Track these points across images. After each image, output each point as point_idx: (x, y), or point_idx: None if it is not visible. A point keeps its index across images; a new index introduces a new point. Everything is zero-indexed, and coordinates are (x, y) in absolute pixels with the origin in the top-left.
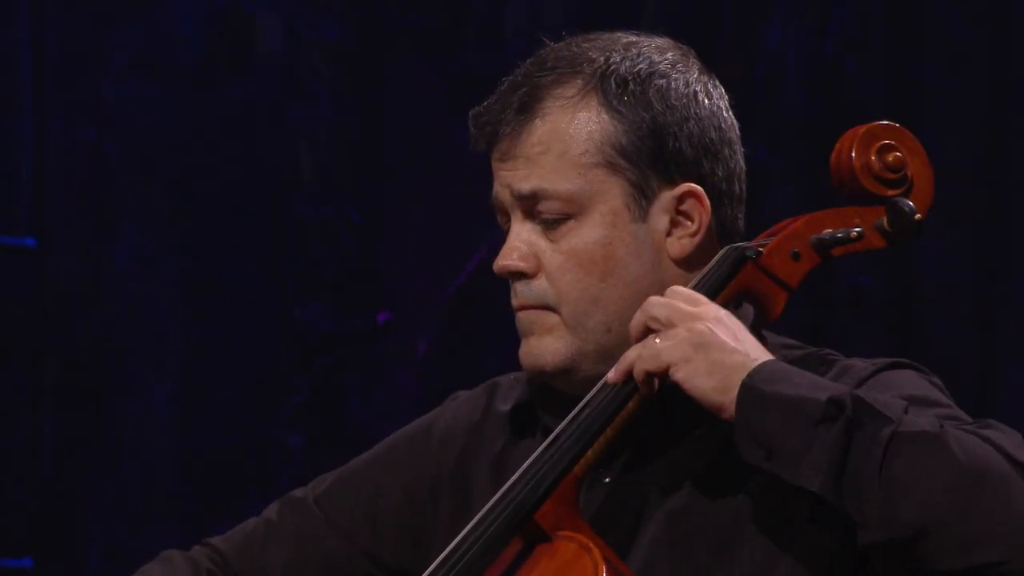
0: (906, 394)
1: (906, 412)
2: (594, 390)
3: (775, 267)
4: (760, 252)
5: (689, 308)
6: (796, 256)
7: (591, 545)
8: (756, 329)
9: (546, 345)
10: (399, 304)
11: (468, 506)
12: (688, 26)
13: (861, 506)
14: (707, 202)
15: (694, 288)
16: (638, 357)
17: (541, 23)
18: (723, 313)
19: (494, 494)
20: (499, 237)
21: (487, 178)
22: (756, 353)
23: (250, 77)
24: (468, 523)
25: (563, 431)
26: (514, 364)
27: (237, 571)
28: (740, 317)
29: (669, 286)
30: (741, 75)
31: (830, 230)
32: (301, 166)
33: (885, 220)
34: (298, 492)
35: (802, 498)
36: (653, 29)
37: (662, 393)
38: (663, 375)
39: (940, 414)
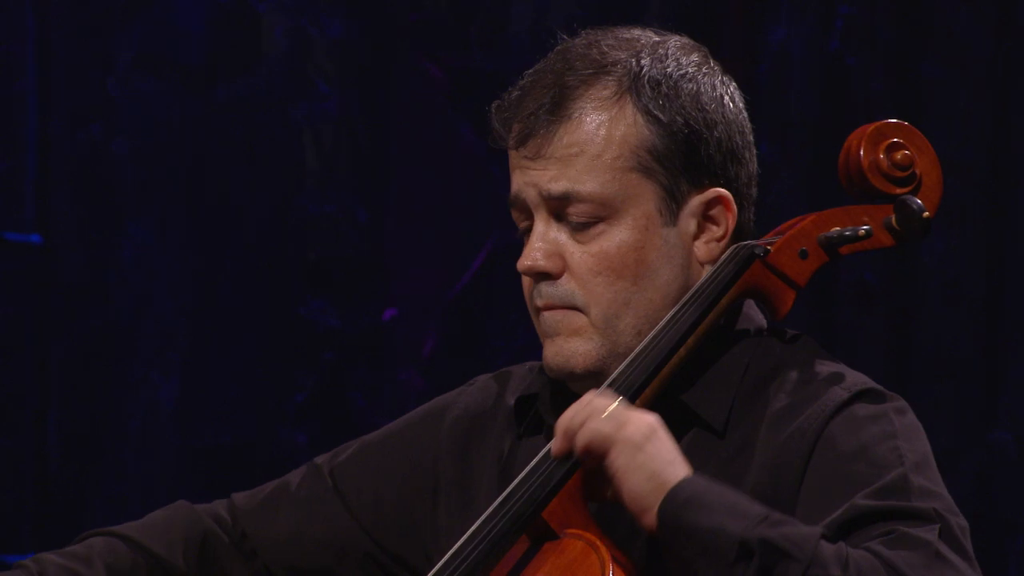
0: (856, 448)
1: (818, 544)
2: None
3: (783, 265)
4: (768, 250)
5: (630, 413)
6: (804, 254)
7: (599, 543)
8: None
9: (575, 347)
10: (405, 301)
11: (470, 500)
12: (693, 23)
13: None
14: (734, 207)
15: (702, 286)
16: (582, 426)
17: (547, 21)
18: (656, 421)
19: (499, 490)
20: (504, 235)
21: (492, 175)
22: (682, 465)
23: (255, 74)
24: (471, 518)
25: None
26: (520, 361)
27: (246, 529)
28: (744, 318)
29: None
30: (746, 72)
31: (838, 228)
32: (306, 163)
33: (894, 218)
34: (319, 459)
35: (795, 486)
36: (659, 26)
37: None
38: (575, 458)
39: (880, 487)
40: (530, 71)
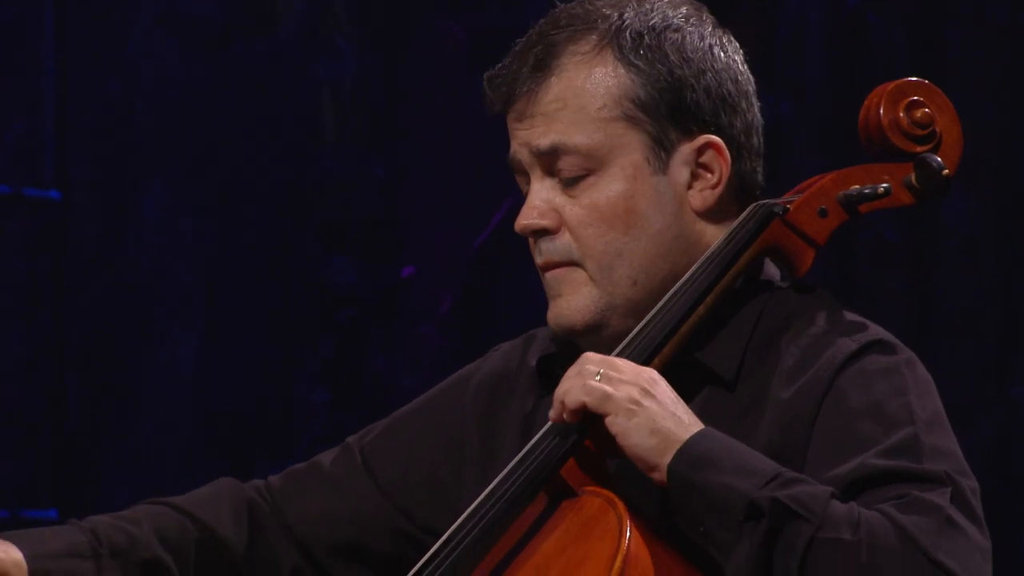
0: (867, 403)
1: (829, 505)
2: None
3: (802, 223)
4: (787, 208)
5: (628, 367)
6: (823, 213)
7: (616, 500)
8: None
9: (575, 303)
10: (423, 259)
11: (493, 460)
12: None
13: None
14: (727, 154)
15: (721, 244)
16: (581, 388)
17: None
18: (658, 375)
19: (520, 449)
20: (521, 193)
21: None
22: (690, 419)
23: (273, 32)
24: (493, 477)
25: None
26: (538, 319)
27: (280, 505)
28: (764, 275)
29: (692, 239)
30: (764, 32)
31: (858, 187)
32: (324, 121)
33: (913, 176)
34: (351, 438)
35: (806, 440)
36: None
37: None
38: (596, 417)
39: (890, 445)
40: (522, 38)
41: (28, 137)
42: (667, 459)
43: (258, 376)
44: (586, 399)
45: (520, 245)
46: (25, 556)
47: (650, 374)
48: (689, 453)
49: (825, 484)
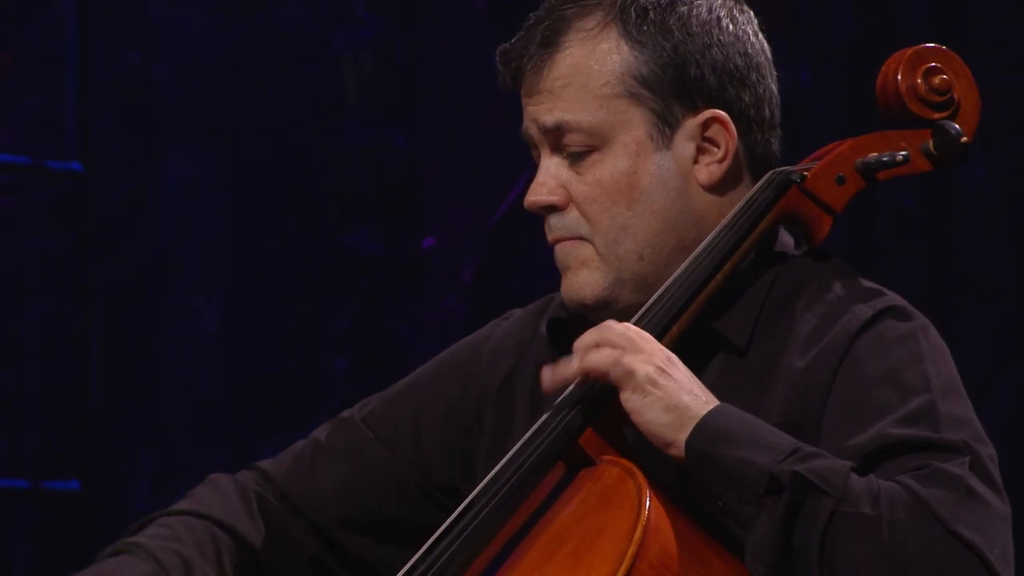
0: (883, 371)
1: (848, 478)
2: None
3: (820, 191)
4: (805, 176)
5: (645, 343)
6: (841, 180)
7: (635, 470)
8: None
9: (583, 279)
10: (445, 228)
11: (509, 427)
12: None
13: None
14: (732, 128)
15: (738, 212)
16: (608, 356)
17: None
18: (673, 355)
19: (536, 416)
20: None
21: None
22: (706, 395)
23: (295, 1)
24: (509, 445)
25: None
26: (558, 289)
27: (285, 491)
28: (779, 244)
29: (699, 213)
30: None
31: (875, 154)
32: (346, 90)
33: (931, 143)
34: (345, 413)
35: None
36: None
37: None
38: (610, 386)
39: (907, 413)
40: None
41: (50, 108)
42: (684, 435)
43: (280, 346)
44: (611, 369)
45: (540, 217)
46: None
47: (667, 353)
48: (706, 428)
49: (842, 453)
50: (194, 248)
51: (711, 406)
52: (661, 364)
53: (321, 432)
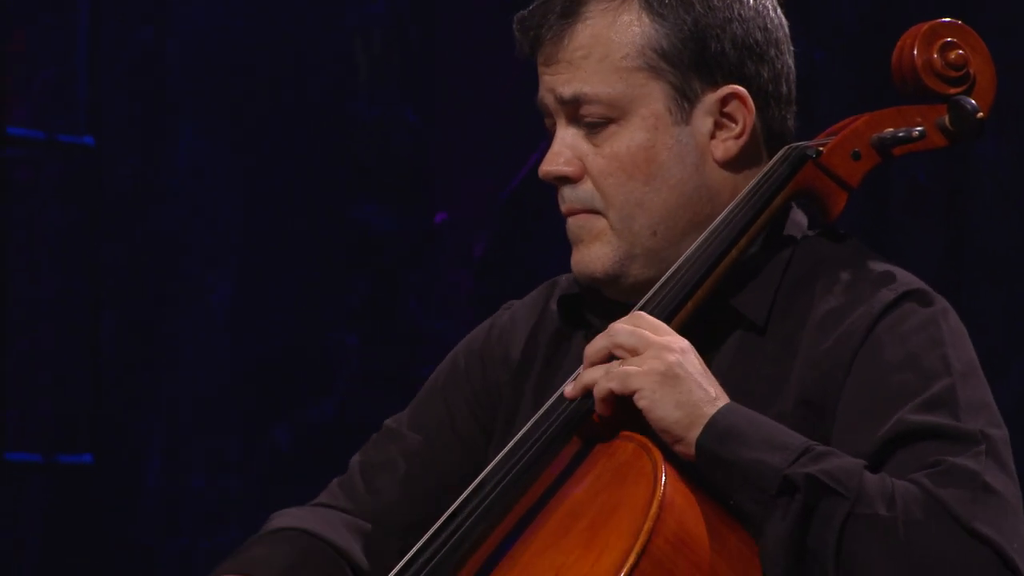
0: (904, 355)
1: (862, 478)
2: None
3: (835, 166)
4: (820, 151)
5: (656, 338)
6: (857, 156)
7: (650, 445)
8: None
9: (595, 252)
10: (456, 204)
11: (520, 407)
12: None
13: None
14: (751, 103)
15: (753, 187)
16: (604, 375)
17: None
18: (687, 345)
19: (548, 396)
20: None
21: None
22: (717, 392)
23: None
24: (521, 424)
25: None
26: (569, 265)
27: (356, 515)
28: (792, 222)
29: (714, 189)
30: None
31: (891, 129)
32: (357, 66)
33: (947, 119)
34: (376, 433)
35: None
36: None
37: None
38: (626, 399)
39: (928, 398)
40: None
41: (62, 83)
42: (694, 433)
43: (291, 321)
44: (611, 385)
45: (552, 191)
46: None
47: (680, 344)
48: (716, 427)
49: (860, 439)
50: (205, 223)
51: (720, 403)
52: (672, 358)
53: (361, 454)
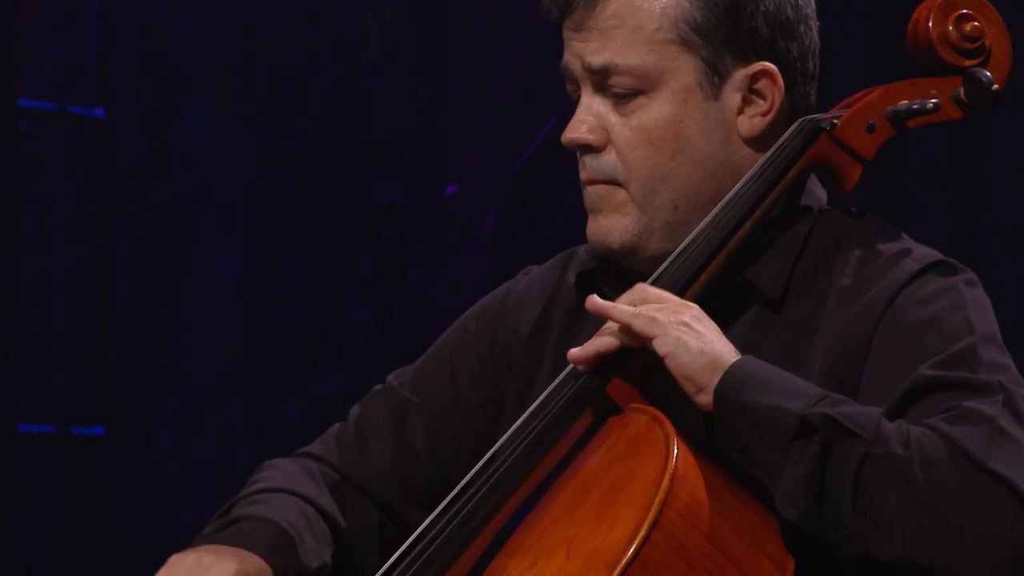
0: (926, 319)
1: (880, 422)
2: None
3: (850, 139)
4: (835, 124)
5: (678, 300)
6: (871, 128)
7: (663, 417)
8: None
9: (614, 223)
10: (466, 177)
11: (535, 378)
12: None
13: (839, 538)
14: (780, 81)
15: (767, 160)
16: (633, 315)
17: None
18: (702, 313)
19: (563, 367)
20: (568, 111)
21: (555, 51)
22: (731, 348)
23: None
24: (536, 394)
25: None
26: (582, 237)
27: (342, 472)
28: (807, 194)
29: (738, 164)
30: None
31: (906, 101)
32: (367, 39)
33: (962, 91)
34: (379, 386)
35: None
36: None
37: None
38: (646, 341)
39: (948, 356)
40: None
41: (73, 55)
42: (715, 381)
43: (301, 294)
44: (633, 321)
45: (563, 164)
46: (263, 557)
47: (696, 310)
48: (735, 376)
49: (884, 397)
50: (216, 195)
51: (738, 355)
52: (693, 313)
53: (359, 408)
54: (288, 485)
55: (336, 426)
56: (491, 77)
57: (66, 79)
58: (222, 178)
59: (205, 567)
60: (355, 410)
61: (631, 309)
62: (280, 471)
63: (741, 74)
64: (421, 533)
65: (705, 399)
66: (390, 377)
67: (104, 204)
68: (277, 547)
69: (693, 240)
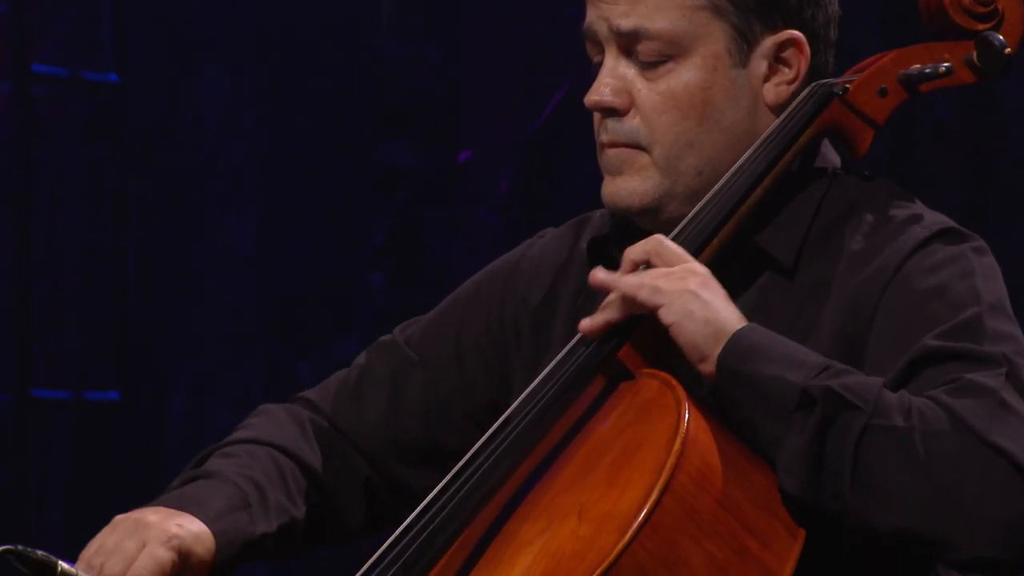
0: (932, 287)
1: (881, 393)
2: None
3: (862, 104)
4: (847, 88)
5: (688, 258)
6: (883, 92)
7: (674, 382)
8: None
9: (634, 186)
10: (480, 142)
11: (547, 345)
12: None
13: (839, 509)
14: (807, 50)
15: (780, 124)
16: (638, 286)
17: None
18: (708, 271)
19: (574, 335)
20: (583, 75)
21: (568, 16)
22: (739, 317)
23: None
24: (547, 362)
25: None
26: (596, 202)
27: (335, 421)
28: (820, 158)
29: (760, 131)
30: None
31: (918, 65)
32: (381, 4)
33: (975, 55)
34: (386, 337)
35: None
36: None
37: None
38: (651, 311)
39: (954, 325)
40: None
41: (87, 21)
42: (717, 350)
43: (315, 259)
44: (642, 295)
45: (577, 129)
46: (205, 523)
47: (703, 268)
48: (738, 344)
49: (887, 368)
50: (230, 160)
51: (743, 324)
52: (699, 279)
53: (364, 357)
54: (268, 437)
55: (341, 372)
56: (505, 41)
57: (80, 44)
58: (236, 143)
59: (144, 527)
60: (360, 358)
61: (635, 279)
62: (268, 419)
63: (769, 42)
64: (434, 498)
65: (708, 368)
66: (397, 329)
67: (118, 169)
68: (226, 511)
69: (705, 205)
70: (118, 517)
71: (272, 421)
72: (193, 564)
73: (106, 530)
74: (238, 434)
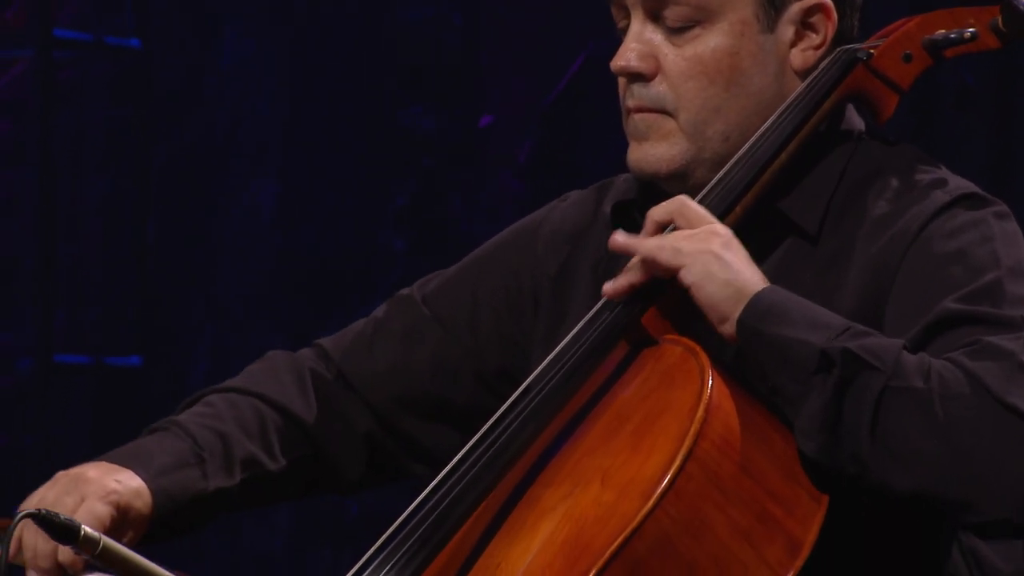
0: (953, 251)
1: (900, 355)
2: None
3: (886, 69)
4: (871, 54)
5: (710, 219)
6: (908, 58)
7: (698, 349)
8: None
9: (661, 152)
10: (502, 107)
11: (567, 312)
12: None
13: (857, 471)
14: (835, 16)
15: (804, 89)
16: (658, 248)
17: None
18: (732, 236)
19: (597, 297)
20: (605, 40)
21: None
22: (761, 278)
23: None
24: (568, 329)
25: None
26: (617, 167)
27: (343, 370)
28: (844, 122)
29: (787, 97)
30: None
31: (943, 31)
32: None
33: (1000, 20)
34: (405, 291)
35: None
36: None
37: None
38: (672, 272)
39: (973, 289)
40: None
41: None
42: (738, 311)
43: (336, 223)
44: (658, 255)
45: (599, 92)
46: (144, 480)
47: (726, 236)
48: (758, 306)
49: (907, 331)
50: (252, 124)
51: (764, 285)
52: (722, 241)
53: (381, 310)
54: (257, 387)
55: (359, 323)
56: (526, 5)
57: (102, 9)
58: (258, 107)
59: (83, 483)
60: (379, 311)
61: (655, 241)
62: (264, 369)
63: (796, 7)
64: (458, 462)
65: (729, 329)
66: (417, 284)
67: (140, 134)
68: (171, 467)
69: (730, 170)
70: (60, 473)
71: (268, 371)
72: (132, 519)
73: (47, 485)
74: (229, 382)
